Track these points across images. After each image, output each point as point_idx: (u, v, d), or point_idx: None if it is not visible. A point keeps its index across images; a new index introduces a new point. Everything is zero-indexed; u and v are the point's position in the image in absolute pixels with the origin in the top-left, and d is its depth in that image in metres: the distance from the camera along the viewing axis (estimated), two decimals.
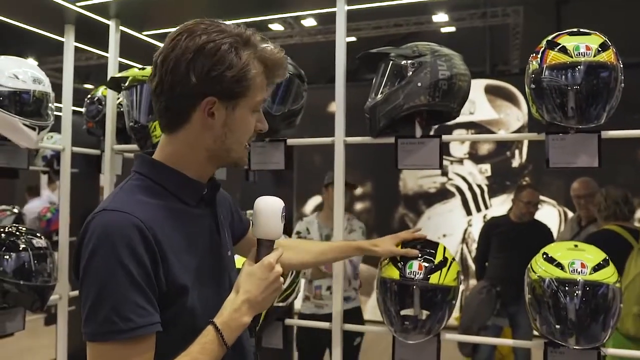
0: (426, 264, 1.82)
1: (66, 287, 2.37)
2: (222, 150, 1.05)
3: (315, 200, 6.45)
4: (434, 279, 1.81)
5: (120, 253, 0.91)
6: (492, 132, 5.59)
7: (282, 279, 1.07)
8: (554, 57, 1.72)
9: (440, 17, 8.21)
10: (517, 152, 5.62)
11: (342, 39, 2.07)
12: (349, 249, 1.77)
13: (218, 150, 1.05)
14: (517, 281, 2.91)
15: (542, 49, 1.77)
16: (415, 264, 1.82)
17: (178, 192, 1.04)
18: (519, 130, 5.56)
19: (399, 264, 1.84)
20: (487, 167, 5.70)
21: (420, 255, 1.83)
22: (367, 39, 8.27)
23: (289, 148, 2.08)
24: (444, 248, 1.90)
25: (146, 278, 0.93)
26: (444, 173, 5.90)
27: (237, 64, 0.99)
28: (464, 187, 5.76)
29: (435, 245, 1.90)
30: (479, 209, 5.77)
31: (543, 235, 3.51)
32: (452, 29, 8.82)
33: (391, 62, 1.92)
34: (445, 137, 1.95)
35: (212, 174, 1.12)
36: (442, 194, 5.98)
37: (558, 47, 1.73)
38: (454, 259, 1.89)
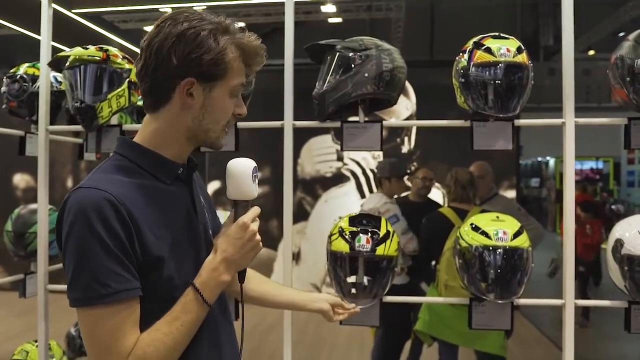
0: (373, 237, 2.04)
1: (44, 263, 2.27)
2: (200, 130, 1.13)
3: (214, 185, 6.46)
4: (380, 250, 2.03)
5: (95, 225, 0.99)
6: (384, 120, 5.98)
7: (258, 236, 1.13)
8: (480, 55, 2.00)
9: (329, 7, 8.55)
10: (406, 139, 6.08)
11: (290, 26, 2.19)
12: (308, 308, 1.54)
13: (197, 130, 1.13)
14: (419, 255, 3.29)
15: (470, 48, 2.04)
16: (363, 238, 2.03)
17: (153, 171, 1.12)
18: (408, 118, 6.02)
19: (347, 237, 2.04)
20: (379, 153, 6.08)
21: (367, 228, 2.05)
22: (256, 25, 8.35)
23: (237, 131, 2.17)
24: (386, 222, 2.13)
25: (121, 248, 1.01)
26: (340, 158, 6.23)
27: (215, 48, 1.06)
28: (358, 171, 6.11)
29: (378, 219, 2.12)
30: (372, 192, 6.16)
31: None
32: (339, 19, 9.22)
33: (338, 53, 2.10)
34: (385, 123, 2.17)
35: (189, 153, 1.19)
36: (338, 178, 6.31)
37: (484, 48, 2.01)
38: (394, 231, 2.13)
